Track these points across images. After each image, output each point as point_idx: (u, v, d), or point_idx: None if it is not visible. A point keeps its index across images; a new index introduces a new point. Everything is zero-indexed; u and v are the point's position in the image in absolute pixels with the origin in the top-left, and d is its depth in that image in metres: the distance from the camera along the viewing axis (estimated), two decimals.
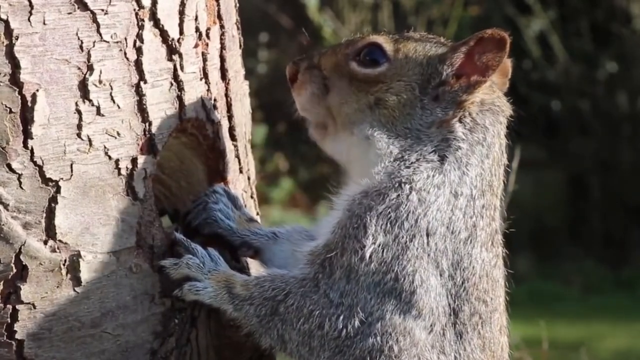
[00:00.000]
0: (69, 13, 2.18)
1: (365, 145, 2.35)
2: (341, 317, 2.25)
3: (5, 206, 2.15)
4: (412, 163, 2.31)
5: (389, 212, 2.27)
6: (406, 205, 2.27)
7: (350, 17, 13.40)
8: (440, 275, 2.27)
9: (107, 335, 2.26)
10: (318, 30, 13.66)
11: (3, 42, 2.12)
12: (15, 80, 2.14)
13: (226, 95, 2.51)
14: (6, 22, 2.12)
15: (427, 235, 2.27)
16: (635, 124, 12.37)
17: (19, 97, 2.14)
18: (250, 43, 12.67)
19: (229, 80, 2.51)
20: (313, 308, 2.27)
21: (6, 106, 2.14)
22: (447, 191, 2.29)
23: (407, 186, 2.29)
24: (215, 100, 2.46)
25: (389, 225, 2.26)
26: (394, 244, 2.26)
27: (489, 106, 2.36)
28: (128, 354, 2.28)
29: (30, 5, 2.14)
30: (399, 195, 2.28)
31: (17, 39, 2.13)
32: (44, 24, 2.16)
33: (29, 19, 2.14)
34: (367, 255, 2.25)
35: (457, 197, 2.30)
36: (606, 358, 8.63)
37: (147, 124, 2.29)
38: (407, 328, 2.24)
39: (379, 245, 2.25)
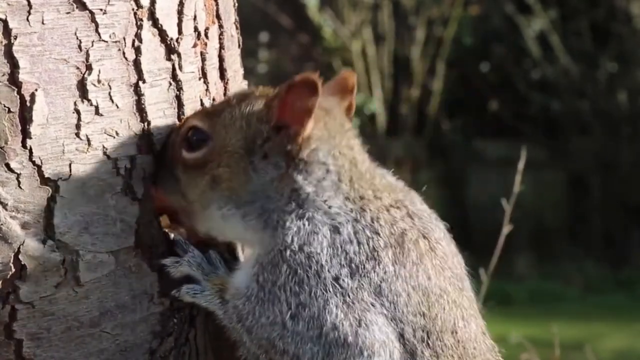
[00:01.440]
0: (68, 13, 2.18)
1: (227, 223, 2.31)
2: None
3: (4, 206, 2.15)
4: (277, 223, 2.26)
5: (292, 280, 2.22)
6: (301, 267, 2.22)
7: (350, 17, 13.41)
8: (372, 305, 2.21)
9: (106, 335, 2.25)
10: (318, 30, 13.66)
11: (2, 42, 2.12)
12: (13, 80, 2.14)
13: (225, 95, 2.51)
14: (5, 22, 2.12)
15: (336, 279, 2.21)
16: (635, 124, 12.38)
17: (18, 96, 2.14)
18: (250, 43, 12.68)
19: (227, 80, 2.51)
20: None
21: (5, 106, 2.14)
22: (327, 233, 2.24)
23: (289, 252, 2.23)
24: (214, 99, 2.46)
25: (297, 287, 2.22)
26: (312, 301, 2.21)
27: (317, 140, 2.29)
28: (127, 353, 2.28)
29: (29, 4, 2.14)
30: (288, 264, 2.22)
31: (15, 38, 2.13)
32: (43, 23, 2.16)
33: (27, 19, 2.14)
34: (287, 318, 2.22)
35: (339, 231, 2.25)
36: (606, 358, 8.63)
37: (145, 124, 2.29)
38: None
39: (297, 306, 2.22)
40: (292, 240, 2.24)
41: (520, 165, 3.77)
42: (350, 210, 2.27)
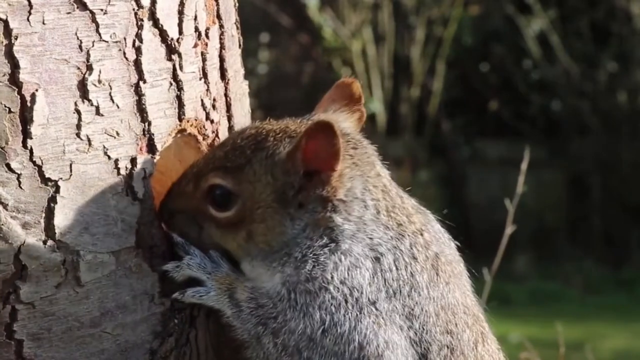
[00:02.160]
0: (68, 13, 2.18)
1: (253, 268, 2.33)
2: None
3: (5, 206, 2.15)
4: (304, 257, 2.27)
5: (330, 303, 2.25)
6: (342, 296, 2.25)
7: (350, 17, 13.41)
8: (401, 329, 2.26)
9: (107, 335, 2.26)
10: (318, 30, 13.66)
11: (2, 42, 2.12)
12: (14, 80, 2.14)
13: (225, 95, 2.51)
14: (5, 22, 2.12)
15: (373, 303, 2.26)
16: (635, 124, 12.38)
17: (18, 97, 2.14)
18: (251, 43, 12.69)
19: (228, 80, 2.51)
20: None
21: (5, 106, 2.14)
22: (369, 265, 2.28)
23: (332, 287, 2.25)
24: (214, 100, 2.46)
25: (333, 308, 2.25)
26: (344, 320, 2.24)
27: (350, 178, 2.31)
28: (127, 353, 2.28)
29: (30, 5, 2.14)
30: (330, 297, 2.26)
31: (16, 38, 2.13)
32: (43, 23, 2.16)
33: (28, 19, 2.14)
34: (318, 332, 2.24)
35: (380, 261, 2.29)
36: (606, 358, 8.63)
37: (146, 124, 2.29)
38: None
39: (329, 322, 2.24)
40: (332, 277, 2.26)
41: (524, 165, 3.77)
42: (390, 238, 2.31)
